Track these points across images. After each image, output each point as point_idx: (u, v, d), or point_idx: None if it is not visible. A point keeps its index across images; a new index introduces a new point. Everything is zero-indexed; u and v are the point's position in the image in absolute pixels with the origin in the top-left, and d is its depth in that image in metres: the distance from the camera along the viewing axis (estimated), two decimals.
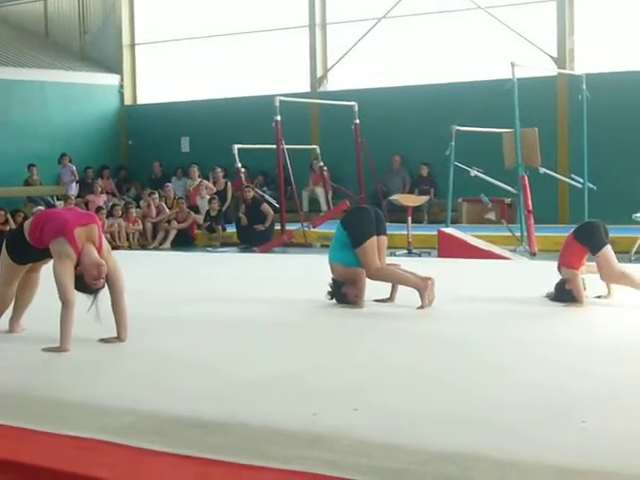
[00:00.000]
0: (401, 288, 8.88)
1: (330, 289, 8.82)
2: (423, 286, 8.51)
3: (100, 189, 21.15)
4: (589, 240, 8.68)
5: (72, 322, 6.64)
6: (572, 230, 8.94)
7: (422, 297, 8.48)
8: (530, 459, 4.07)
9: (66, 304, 6.63)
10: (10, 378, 5.89)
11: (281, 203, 18.24)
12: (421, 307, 8.43)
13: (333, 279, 8.84)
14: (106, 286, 6.88)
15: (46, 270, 6.82)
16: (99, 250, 6.83)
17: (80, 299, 6.78)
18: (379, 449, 4.26)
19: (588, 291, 8.66)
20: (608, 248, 8.67)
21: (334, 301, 8.80)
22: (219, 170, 21.41)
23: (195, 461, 4.21)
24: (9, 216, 16.88)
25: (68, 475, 4.12)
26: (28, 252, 7.05)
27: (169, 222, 19.12)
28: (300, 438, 4.44)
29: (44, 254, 6.96)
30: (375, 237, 8.80)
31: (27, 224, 7.01)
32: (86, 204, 19.42)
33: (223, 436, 4.51)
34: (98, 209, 18.60)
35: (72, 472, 4.13)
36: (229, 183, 21.26)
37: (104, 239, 7.00)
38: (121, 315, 6.95)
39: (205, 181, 21.33)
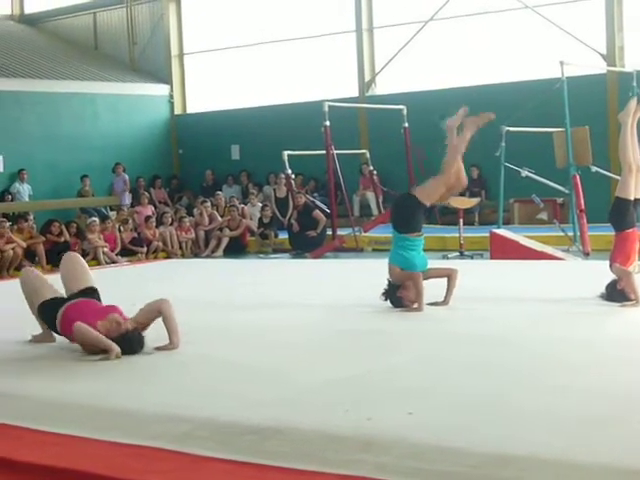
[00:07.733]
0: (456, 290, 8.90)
1: (385, 290, 8.81)
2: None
3: (147, 200, 21.16)
4: (610, 219, 8.66)
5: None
6: None
7: None
8: (586, 460, 4.04)
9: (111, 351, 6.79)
10: (66, 387, 5.94)
11: (332, 208, 18.22)
12: None
13: (389, 281, 8.82)
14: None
15: None
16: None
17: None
18: (433, 452, 4.25)
19: None
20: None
21: (388, 304, 8.78)
22: (282, 177, 19.96)
23: (251, 467, 4.22)
24: (63, 227, 17.02)
25: None
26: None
27: (221, 230, 19.19)
28: (355, 442, 4.44)
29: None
30: None
31: (60, 312, 7.14)
32: (132, 216, 19.34)
33: (278, 442, 4.53)
34: (147, 218, 18.72)
35: (127, 479, 4.16)
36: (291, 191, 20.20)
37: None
38: (170, 323, 7.04)
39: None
